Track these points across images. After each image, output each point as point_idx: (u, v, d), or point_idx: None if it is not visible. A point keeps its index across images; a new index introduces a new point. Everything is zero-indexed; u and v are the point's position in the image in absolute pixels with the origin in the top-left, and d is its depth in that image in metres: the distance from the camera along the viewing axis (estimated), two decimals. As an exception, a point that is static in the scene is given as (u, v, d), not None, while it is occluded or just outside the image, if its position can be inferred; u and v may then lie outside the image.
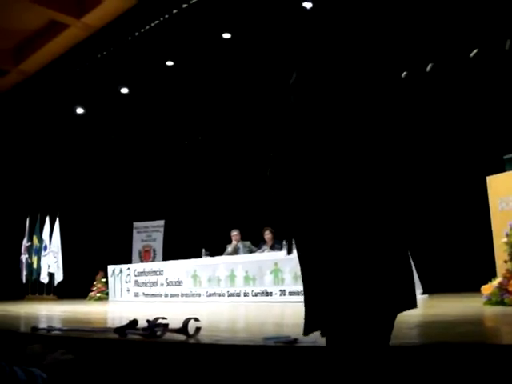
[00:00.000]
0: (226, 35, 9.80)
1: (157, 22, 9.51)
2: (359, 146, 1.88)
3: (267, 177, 2.01)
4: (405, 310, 1.88)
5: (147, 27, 9.66)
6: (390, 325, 1.89)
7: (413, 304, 1.89)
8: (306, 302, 1.96)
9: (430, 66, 8.81)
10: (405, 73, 8.83)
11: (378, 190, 1.86)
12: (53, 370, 1.87)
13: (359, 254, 1.81)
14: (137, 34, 9.84)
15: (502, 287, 5.34)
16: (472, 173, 7.68)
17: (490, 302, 5.35)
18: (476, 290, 5.76)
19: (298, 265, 2.00)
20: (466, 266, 7.81)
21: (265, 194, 2.01)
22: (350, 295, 1.79)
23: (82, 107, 12.74)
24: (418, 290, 6.41)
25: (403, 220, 1.92)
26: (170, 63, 10.79)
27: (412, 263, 2.07)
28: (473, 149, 8.34)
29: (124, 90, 11.86)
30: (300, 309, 2.07)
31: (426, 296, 7.04)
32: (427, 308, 5.43)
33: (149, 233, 14.27)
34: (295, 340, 2.85)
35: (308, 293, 1.95)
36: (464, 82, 8.45)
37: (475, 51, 8.46)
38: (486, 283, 5.56)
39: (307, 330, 1.95)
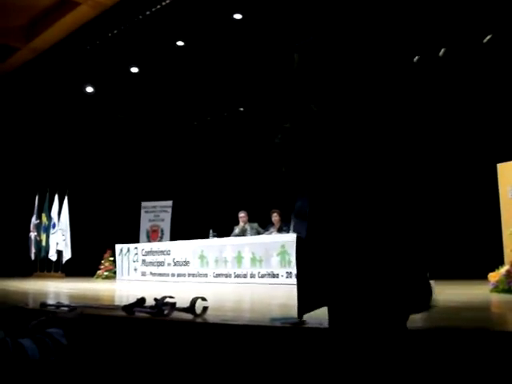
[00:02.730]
0: (238, 16, 9.72)
1: (168, 1, 9.44)
2: (374, 130, 1.85)
3: (276, 144, 1.97)
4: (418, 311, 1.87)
5: (158, 6, 9.58)
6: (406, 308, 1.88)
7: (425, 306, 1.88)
8: (301, 283, 1.95)
9: (442, 50, 8.70)
10: (417, 57, 8.71)
11: (395, 178, 1.84)
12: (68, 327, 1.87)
13: (374, 242, 1.78)
14: (148, 13, 9.76)
15: (509, 275, 5.33)
16: (482, 160, 7.63)
17: (497, 289, 5.35)
18: (483, 277, 5.75)
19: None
20: (474, 253, 7.80)
21: (274, 162, 1.97)
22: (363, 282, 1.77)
23: (91, 86, 12.72)
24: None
25: (419, 213, 1.89)
26: (180, 43, 10.73)
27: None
28: (483, 136, 8.27)
29: (134, 70, 11.82)
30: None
31: (432, 281, 7.04)
32: (433, 294, 5.43)
33: (157, 213, 14.33)
34: (302, 321, 2.87)
35: (305, 273, 1.94)
36: (476, 68, 8.36)
37: (489, 37, 8.35)
38: (493, 271, 5.56)
39: (302, 310, 1.95)
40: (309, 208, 1.84)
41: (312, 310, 1.93)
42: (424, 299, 1.87)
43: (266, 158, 10.02)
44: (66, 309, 4.02)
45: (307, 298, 1.92)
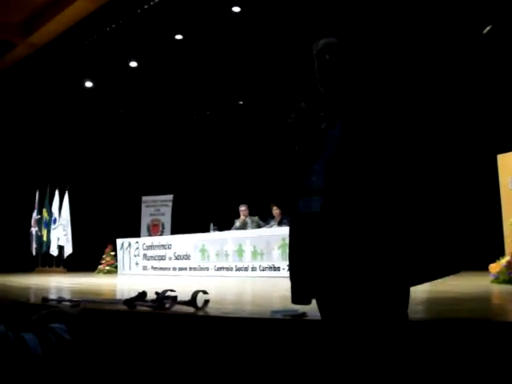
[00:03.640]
0: (236, 9, 9.68)
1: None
2: (385, 124, 1.86)
3: (290, 124, 1.98)
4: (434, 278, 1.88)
5: (157, 0, 9.55)
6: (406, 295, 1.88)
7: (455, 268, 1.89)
8: (295, 272, 1.96)
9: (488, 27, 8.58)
10: (488, 27, 8.55)
11: (395, 167, 1.84)
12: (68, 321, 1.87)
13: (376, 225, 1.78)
14: (146, 6, 9.72)
15: (509, 266, 5.34)
16: (483, 151, 7.62)
17: (498, 280, 5.36)
18: (484, 268, 5.76)
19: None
20: (475, 244, 7.80)
21: (286, 141, 1.98)
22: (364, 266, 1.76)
23: (90, 81, 12.70)
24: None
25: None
26: (179, 37, 10.70)
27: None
28: (484, 127, 8.26)
29: (133, 64, 11.80)
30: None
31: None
32: (434, 285, 5.43)
33: (157, 207, 14.34)
34: (303, 314, 2.87)
35: (299, 262, 1.94)
36: (475, 59, 8.33)
37: (489, 27, 8.31)
38: (493, 262, 5.56)
39: (296, 299, 1.96)
40: (323, 184, 1.85)
41: (306, 302, 1.95)
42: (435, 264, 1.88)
43: (267, 151, 10.02)
44: (67, 303, 4.03)
45: (300, 290, 1.94)
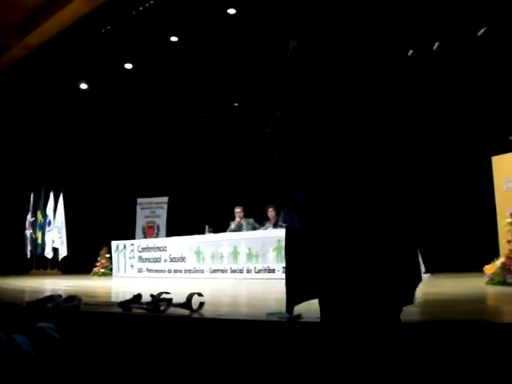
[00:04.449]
0: (231, 11, 9.70)
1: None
2: (364, 122, 1.84)
3: (269, 133, 1.96)
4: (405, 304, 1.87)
5: (152, 2, 9.55)
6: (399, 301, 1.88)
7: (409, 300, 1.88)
8: (290, 277, 1.95)
9: (436, 44, 8.71)
10: (411, 51, 8.72)
11: (388, 170, 1.83)
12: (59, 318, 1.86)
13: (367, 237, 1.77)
14: (141, 8, 9.73)
15: (504, 267, 5.35)
16: (477, 153, 7.64)
17: (493, 281, 5.36)
18: (479, 269, 5.77)
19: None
20: (470, 245, 7.83)
21: (266, 151, 1.96)
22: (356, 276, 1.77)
23: (85, 82, 12.68)
24: (421, 268, 6.43)
25: (412, 208, 1.89)
26: (174, 39, 10.70)
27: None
28: (478, 129, 8.29)
29: (128, 66, 11.79)
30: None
31: (428, 275, 7.06)
32: (430, 286, 5.45)
33: (152, 209, 14.32)
34: (298, 316, 2.87)
35: (294, 264, 1.93)
36: (471, 61, 8.36)
37: (483, 30, 8.35)
38: (488, 263, 5.57)
39: (291, 304, 1.95)
40: (303, 198, 1.83)
41: (301, 301, 1.93)
42: (410, 292, 1.87)
43: (262, 153, 10.00)
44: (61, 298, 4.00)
45: (296, 289, 1.93)
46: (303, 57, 1.91)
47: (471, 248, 7.66)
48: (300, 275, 1.90)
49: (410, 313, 3.06)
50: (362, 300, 1.77)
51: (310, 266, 1.84)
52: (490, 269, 5.49)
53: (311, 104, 1.88)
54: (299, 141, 1.89)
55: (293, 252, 1.94)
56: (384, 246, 1.78)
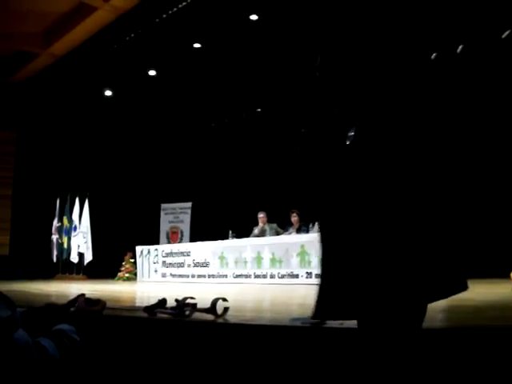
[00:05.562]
0: (254, 17, 9.74)
1: (184, 3, 9.48)
2: (394, 130, 1.84)
3: (298, 152, 1.97)
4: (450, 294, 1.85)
5: (175, 9, 9.64)
6: (423, 309, 1.87)
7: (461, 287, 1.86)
8: (324, 285, 1.93)
9: (460, 47, 8.61)
10: (435, 54, 8.61)
11: (421, 178, 1.81)
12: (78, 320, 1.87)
13: (394, 238, 1.76)
14: (164, 16, 9.83)
15: (531, 273, 5.27)
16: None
17: (519, 287, 5.28)
18: (506, 275, 5.68)
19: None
20: (497, 251, 7.70)
21: (295, 169, 1.98)
22: (384, 279, 1.76)
23: (110, 89, 12.85)
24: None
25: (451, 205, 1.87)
26: (197, 45, 10.78)
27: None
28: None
29: (152, 73, 11.91)
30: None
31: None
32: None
33: (176, 214, 14.40)
34: (322, 321, 2.86)
35: (329, 276, 1.92)
36: (495, 63, 8.24)
37: (508, 32, 8.23)
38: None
39: (318, 313, 1.93)
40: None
41: (333, 318, 1.92)
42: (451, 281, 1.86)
43: (285, 159, 10.03)
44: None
45: (330, 303, 1.91)
46: (333, 72, 1.91)
47: (498, 254, 7.54)
48: (337, 289, 1.87)
49: (433, 319, 3.04)
50: (402, 313, 1.76)
51: (350, 281, 1.82)
52: (517, 275, 5.42)
53: (351, 114, 1.88)
54: (339, 150, 1.89)
55: (331, 262, 1.91)
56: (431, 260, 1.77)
